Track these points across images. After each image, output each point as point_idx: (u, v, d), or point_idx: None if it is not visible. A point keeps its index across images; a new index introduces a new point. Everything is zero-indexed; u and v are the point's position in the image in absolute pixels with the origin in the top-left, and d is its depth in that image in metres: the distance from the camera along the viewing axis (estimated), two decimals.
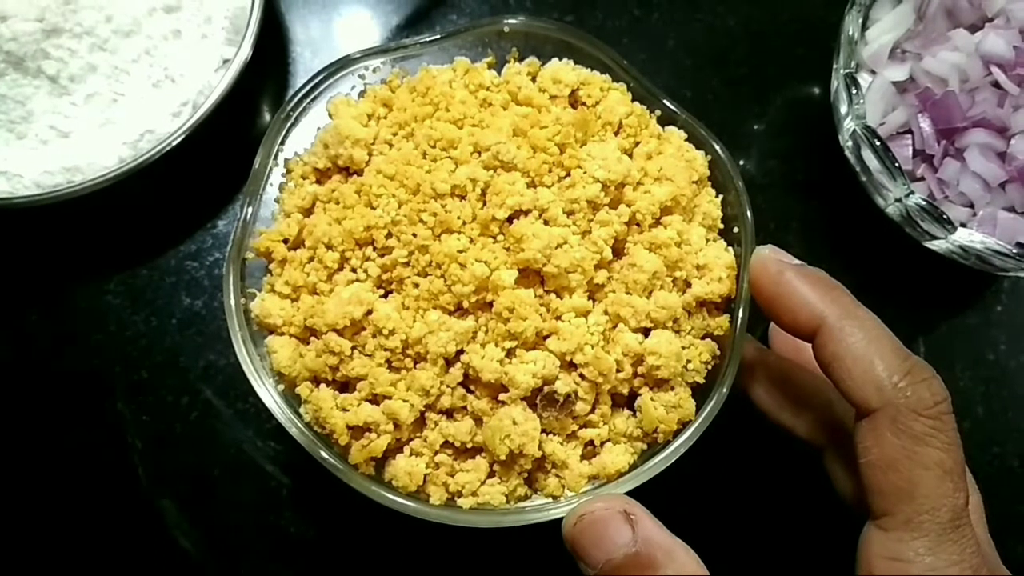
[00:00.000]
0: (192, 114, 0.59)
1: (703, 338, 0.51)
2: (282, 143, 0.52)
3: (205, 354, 0.59)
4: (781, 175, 0.66)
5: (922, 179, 0.58)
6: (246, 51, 0.60)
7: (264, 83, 0.67)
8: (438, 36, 0.54)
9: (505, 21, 0.54)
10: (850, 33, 0.57)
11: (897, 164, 0.54)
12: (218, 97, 0.59)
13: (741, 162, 0.67)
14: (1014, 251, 0.53)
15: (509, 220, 0.48)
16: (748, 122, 0.68)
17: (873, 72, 0.60)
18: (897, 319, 0.63)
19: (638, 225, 0.50)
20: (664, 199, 0.50)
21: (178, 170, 0.60)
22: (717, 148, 0.53)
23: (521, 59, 0.56)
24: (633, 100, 0.54)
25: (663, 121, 0.55)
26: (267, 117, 0.66)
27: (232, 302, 0.48)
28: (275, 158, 0.52)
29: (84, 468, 0.58)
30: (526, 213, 0.48)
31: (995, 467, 0.61)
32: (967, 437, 0.60)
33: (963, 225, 0.57)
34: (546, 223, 0.48)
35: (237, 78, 0.60)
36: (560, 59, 0.55)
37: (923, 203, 0.53)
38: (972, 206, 0.57)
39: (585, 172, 0.48)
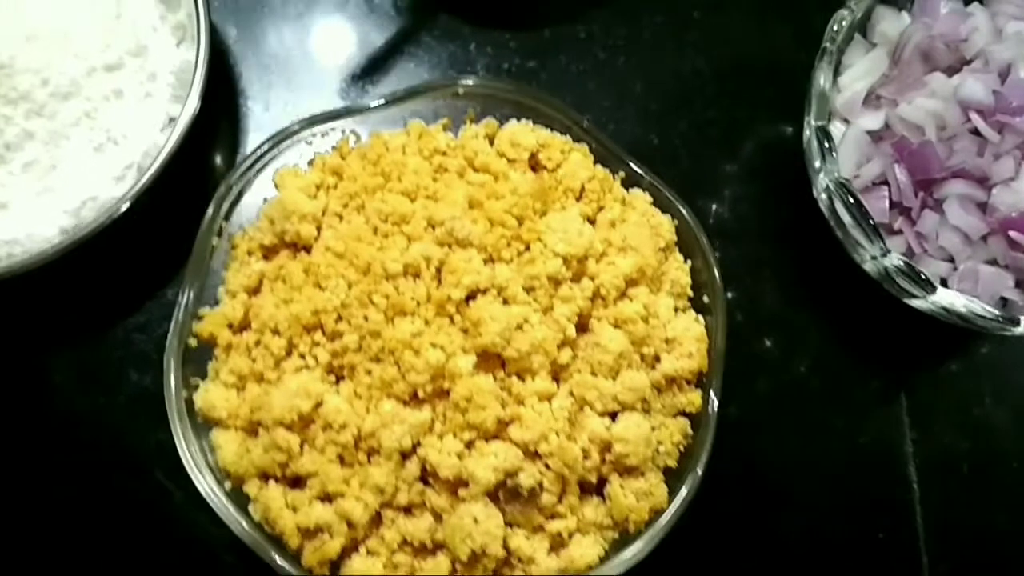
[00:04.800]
0: (138, 178, 0.56)
1: (675, 416, 0.48)
2: (226, 218, 0.50)
3: (155, 433, 0.56)
4: (755, 222, 0.64)
5: (900, 232, 0.56)
6: (192, 108, 0.57)
7: (215, 139, 0.64)
8: (387, 100, 0.51)
9: (460, 82, 0.52)
10: (821, 84, 0.55)
11: (872, 222, 0.51)
12: (165, 158, 0.56)
13: (713, 206, 0.64)
14: (998, 315, 0.50)
15: (467, 298, 0.46)
16: (719, 166, 0.65)
17: (846, 121, 0.57)
18: (877, 376, 0.61)
19: (603, 298, 0.47)
20: (629, 272, 0.47)
21: (124, 237, 0.56)
22: (684, 212, 0.51)
23: (480, 117, 0.53)
24: (596, 161, 0.52)
25: (628, 182, 0.52)
26: (220, 175, 0.63)
27: (173, 395, 0.46)
28: (219, 234, 0.49)
29: (25, 557, 0.55)
30: (484, 291, 0.45)
31: (982, 526, 0.59)
32: (953, 498, 0.59)
33: (943, 281, 0.55)
34: (505, 301, 0.45)
35: (184, 137, 0.56)
36: (520, 119, 0.53)
37: (901, 264, 0.51)
38: (953, 260, 0.55)
39: (545, 246, 0.46)
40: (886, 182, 0.56)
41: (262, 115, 0.64)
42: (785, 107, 0.65)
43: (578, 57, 0.66)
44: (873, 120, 0.57)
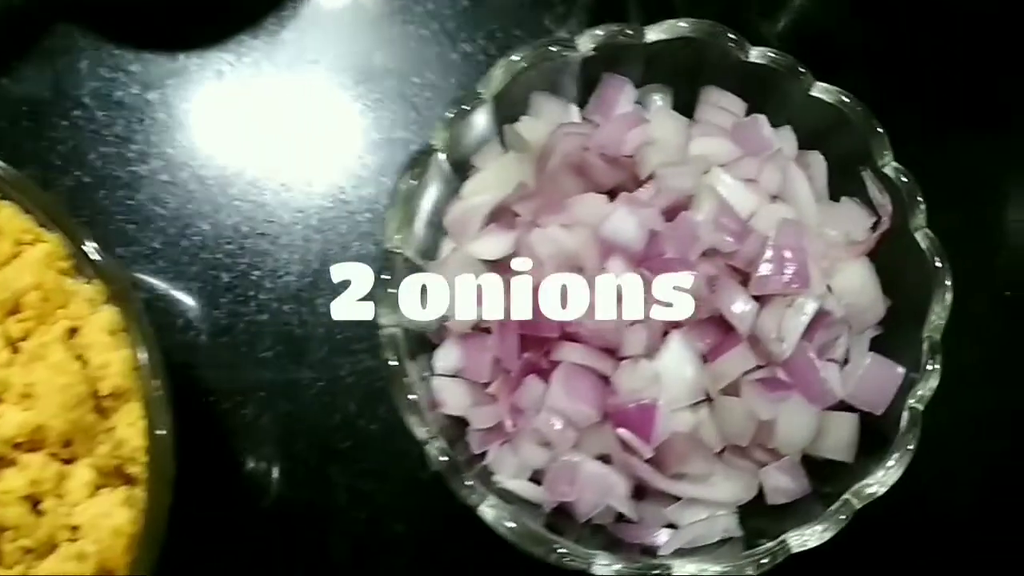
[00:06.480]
0: None
1: None
2: None
3: None
4: None
5: (495, 399, 0.42)
6: None
7: None
8: None
9: None
10: (406, 193, 0.41)
11: (411, 399, 0.38)
12: None
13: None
14: (545, 547, 0.37)
15: None
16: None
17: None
18: None
19: None
20: (12, 434, 0.34)
21: None
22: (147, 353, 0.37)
23: None
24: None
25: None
26: None
27: None
28: None
29: None
30: None
31: None
32: None
33: (534, 478, 0.41)
34: None
35: None
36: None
37: (443, 461, 0.38)
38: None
39: None
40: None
41: None
42: None
43: (212, 95, 0.53)
44: (492, 246, 0.43)
